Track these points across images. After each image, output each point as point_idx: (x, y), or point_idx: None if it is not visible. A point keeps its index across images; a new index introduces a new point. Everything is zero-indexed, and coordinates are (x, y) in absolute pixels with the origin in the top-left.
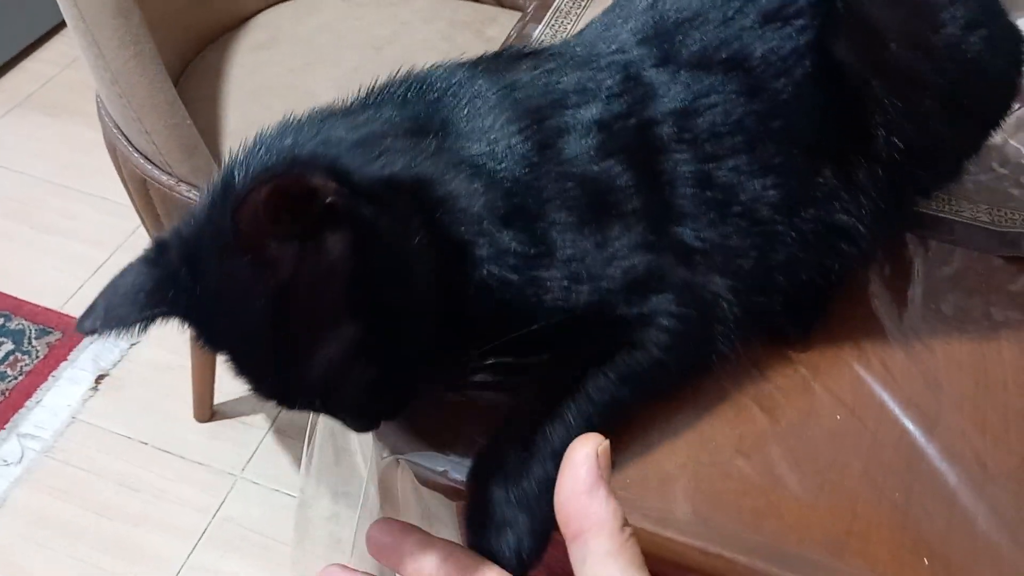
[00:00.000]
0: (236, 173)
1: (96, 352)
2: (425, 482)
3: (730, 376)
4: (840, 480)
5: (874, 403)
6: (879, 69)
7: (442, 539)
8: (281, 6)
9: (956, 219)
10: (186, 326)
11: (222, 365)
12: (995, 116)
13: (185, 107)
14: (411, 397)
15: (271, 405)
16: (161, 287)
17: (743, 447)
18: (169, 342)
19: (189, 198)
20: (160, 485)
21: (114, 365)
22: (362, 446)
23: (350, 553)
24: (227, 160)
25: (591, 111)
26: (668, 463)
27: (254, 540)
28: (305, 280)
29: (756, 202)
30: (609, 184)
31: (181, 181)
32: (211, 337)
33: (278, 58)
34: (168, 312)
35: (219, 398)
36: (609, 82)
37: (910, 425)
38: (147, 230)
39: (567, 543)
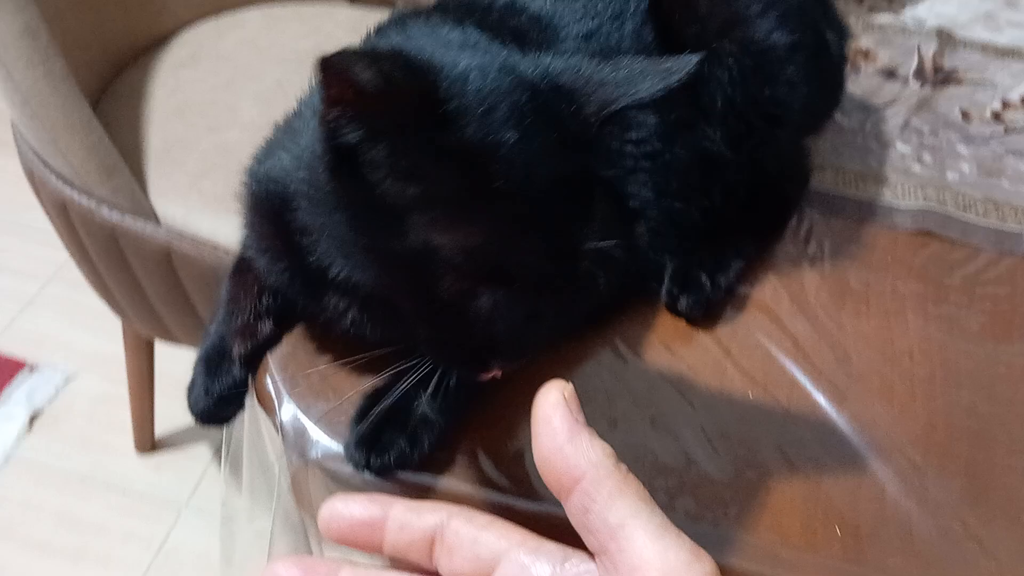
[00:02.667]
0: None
1: (30, 388)
2: (340, 482)
3: (642, 356)
4: (753, 456)
5: (785, 379)
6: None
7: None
8: (202, 24)
9: (861, 198)
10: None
11: (163, 389)
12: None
13: (106, 128)
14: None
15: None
16: (413, 100)
17: (657, 427)
18: (107, 371)
19: (111, 221)
20: (101, 520)
21: (49, 401)
22: (274, 449)
23: (267, 555)
24: None
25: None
26: None
27: (202, 570)
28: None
29: (649, 131)
30: None
31: (102, 203)
32: (447, 180)
33: (200, 75)
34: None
35: (161, 428)
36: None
37: (821, 399)
38: (74, 259)
39: (563, 500)
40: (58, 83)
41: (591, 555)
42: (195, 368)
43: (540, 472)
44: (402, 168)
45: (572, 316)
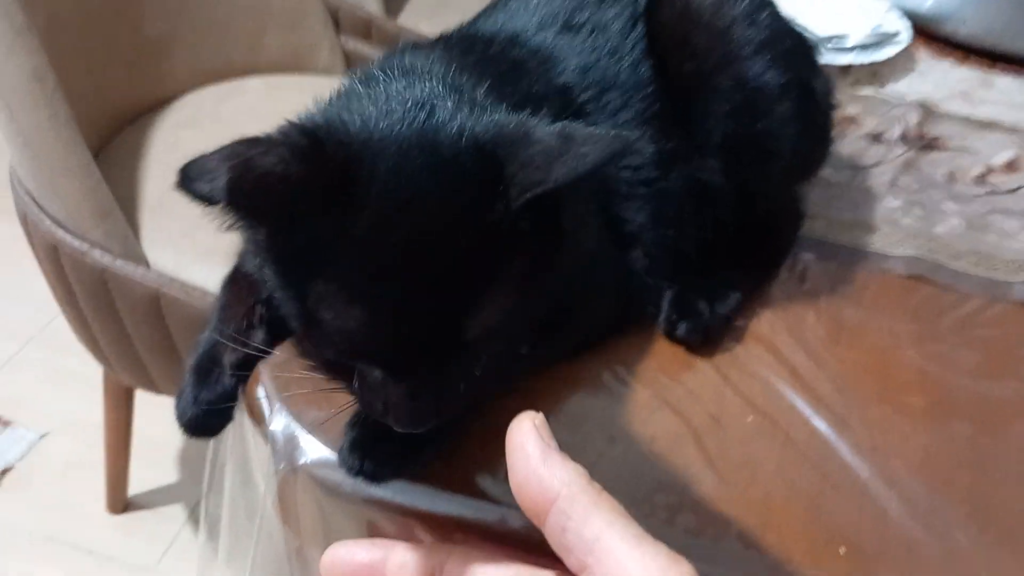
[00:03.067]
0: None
1: (2, 445)
2: (329, 491)
3: (640, 379)
4: (754, 477)
5: (784, 405)
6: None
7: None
8: (204, 90)
9: (853, 245)
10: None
11: (137, 451)
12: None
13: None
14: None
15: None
16: (309, 187)
17: (655, 448)
18: (80, 434)
19: (102, 264)
20: None
21: (20, 458)
22: (260, 466)
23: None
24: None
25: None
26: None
27: None
28: (515, 237)
29: (646, 158)
30: None
31: (94, 246)
32: (353, 250)
33: (199, 136)
34: (301, 216)
35: (134, 488)
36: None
37: (821, 425)
38: (59, 303)
39: (541, 525)
40: (61, 127)
41: None
42: (185, 377)
43: (517, 499)
44: (286, 251)
45: (489, 386)
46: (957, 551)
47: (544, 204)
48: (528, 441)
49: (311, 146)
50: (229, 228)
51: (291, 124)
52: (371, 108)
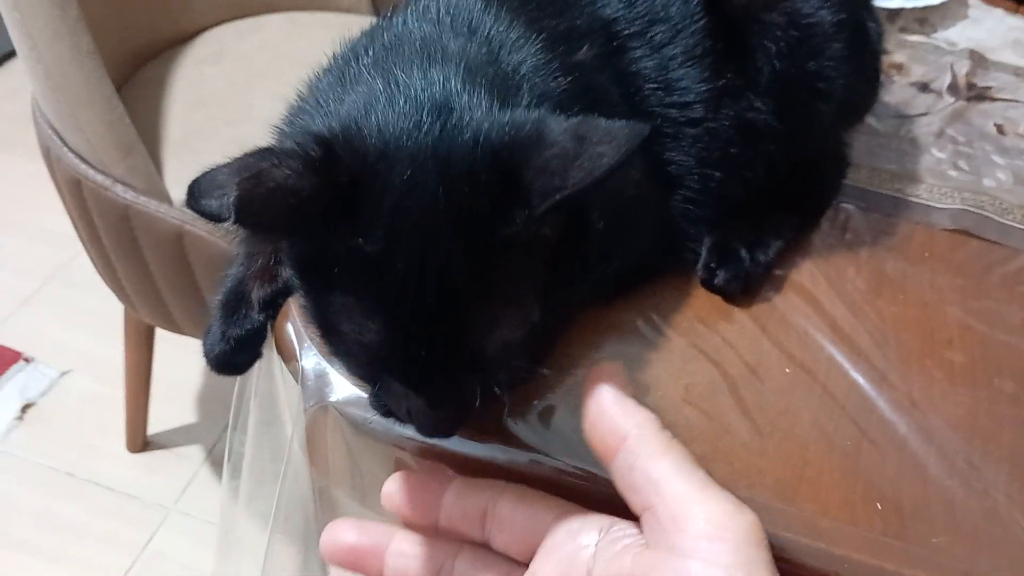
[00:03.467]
0: (472, 93)
1: (23, 382)
2: (359, 429)
3: (675, 327)
4: (790, 429)
5: (823, 357)
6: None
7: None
8: (225, 25)
9: (897, 195)
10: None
11: (157, 391)
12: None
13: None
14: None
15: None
16: (321, 201)
17: (690, 396)
18: (101, 372)
19: (125, 199)
20: (84, 520)
21: (42, 395)
22: (289, 405)
23: (271, 520)
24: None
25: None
26: None
27: None
28: (532, 248)
29: (694, 97)
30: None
31: (117, 181)
32: (365, 267)
33: (221, 72)
34: (313, 230)
35: (153, 428)
36: None
37: (859, 378)
38: (81, 239)
39: (607, 464)
40: (83, 58)
41: (635, 522)
42: (212, 313)
43: (587, 436)
44: (306, 261)
45: (516, 386)
46: (996, 510)
47: (570, 206)
48: (606, 384)
49: (325, 158)
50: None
51: (307, 133)
52: (388, 110)
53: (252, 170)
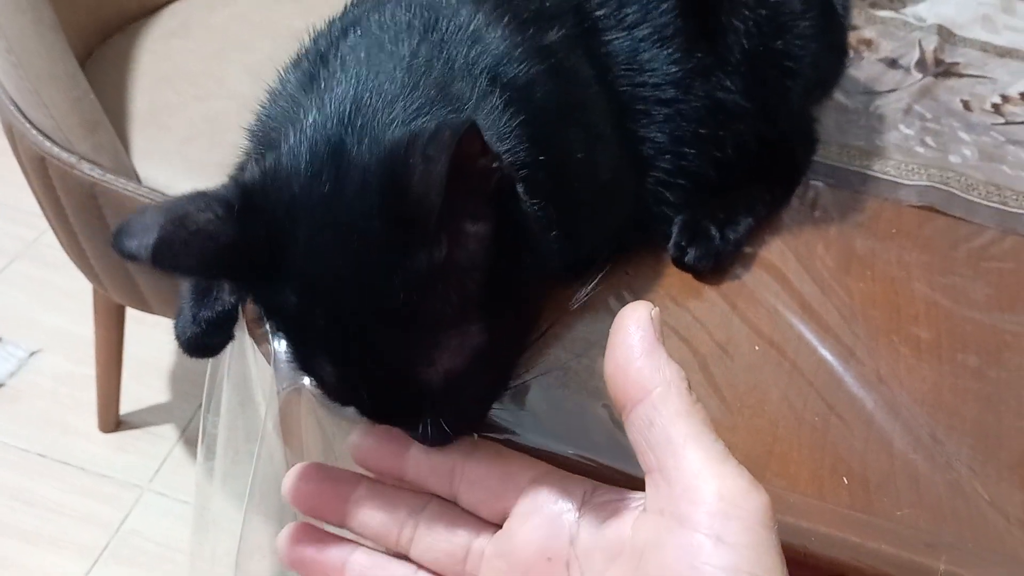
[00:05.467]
0: (359, 118)
1: None
2: (332, 411)
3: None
4: (760, 405)
5: (792, 334)
6: None
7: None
8: None
9: (866, 172)
10: (248, 300)
11: (129, 370)
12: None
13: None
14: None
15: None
16: (240, 249)
17: None
18: (71, 351)
19: (91, 177)
20: (58, 499)
21: (11, 375)
22: (262, 386)
23: (246, 499)
24: (330, 100)
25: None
26: (583, 391)
27: (161, 555)
28: (451, 269)
29: (664, 77)
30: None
31: (83, 159)
32: (291, 321)
33: (190, 45)
34: (238, 280)
35: (125, 408)
36: None
37: (828, 355)
38: (48, 218)
39: (624, 413)
40: (45, 32)
41: (618, 488)
42: (183, 295)
43: (609, 380)
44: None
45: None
46: (960, 483)
47: (480, 214)
48: (640, 328)
49: (244, 208)
50: None
51: (234, 180)
52: (300, 158)
53: (178, 212)
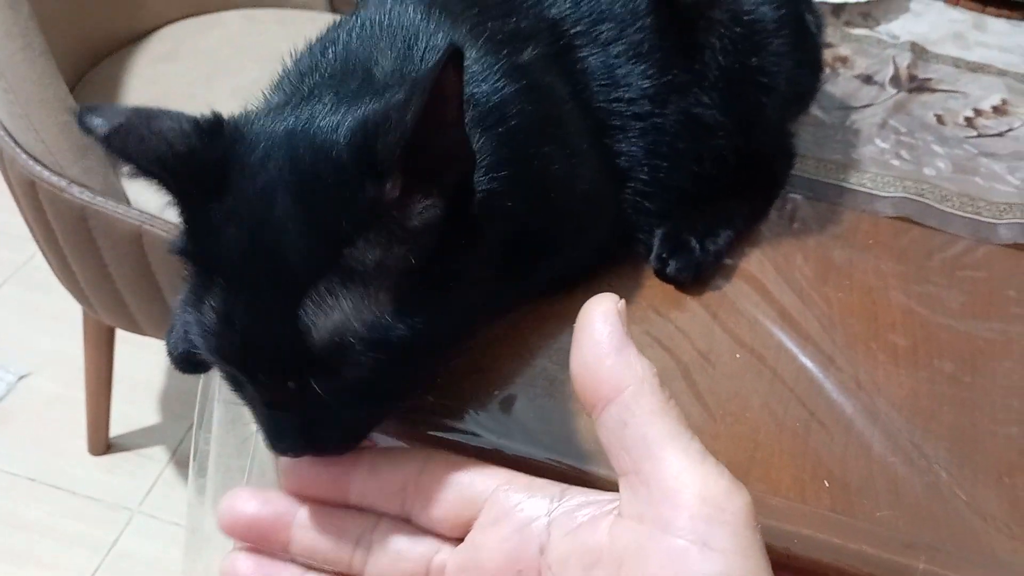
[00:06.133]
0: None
1: None
2: None
3: (630, 316)
4: (741, 412)
5: (772, 343)
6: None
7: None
8: (183, 21)
9: (843, 185)
10: (183, 218)
11: (119, 392)
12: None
13: None
14: (368, 431)
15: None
16: (191, 162)
17: None
18: (61, 374)
19: (81, 200)
20: (48, 522)
21: (0, 398)
22: None
23: None
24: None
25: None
26: (571, 400)
27: None
28: (389, 222)
29: (639, 92)
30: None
31: (73, 182)
32: (206, 250)
33: (179, 69)
34: (181, 187)
35: (116, 430)
36: None
37: (808, 362)
38: (38, 242)
39: (594, 413)
40: (35, 57)
41: (588, 489)
42: (174, 312)
43: (575, 380)
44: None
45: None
46: (938, 486)
47: (432, 191)
48: (607, 323)
49: (209, 130)
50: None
51: (214, 113)
52: (281, 98)
53: (149, 113)
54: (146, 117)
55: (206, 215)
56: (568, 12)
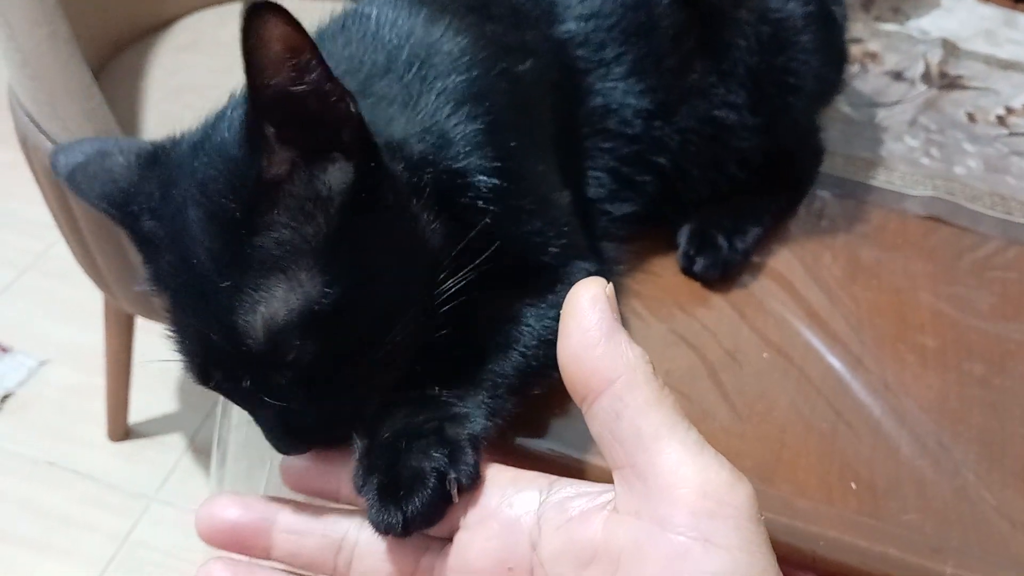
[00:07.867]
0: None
1: (1, 372)
2: None
3: (656, 314)
4: (768, 412)
5: (800, 342)
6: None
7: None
8: (204, 12)
9: (871, 183)
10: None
11: (137, 380)
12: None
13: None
14: (354, 420)
15: (193, 382)
16: (131, 196)
17: (671, 381)
18: (80, 361)
19: None
20: (66, 509)
21: (20, 384)
22: None
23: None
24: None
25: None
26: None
27: (168, 565)
28: (288, 198)
29: (630, 111)
30: None
31: None
32: (158, 273)
33: (200, 59)
34: (124, 220)
35: (135, 416)
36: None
37: (835, 362)
38: (60, 228)
39: (587, 404)
40: (61, 45)
41: (577, 480)
42: None
43: (564, 370)
44: None
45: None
46: (966, 489)
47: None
48: (594, 310)
49: (147, 161)
50: None
51: (152, 143)
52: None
53: (105, 149)
54: (100, 155)
55: (150, 242)
56: (576, 29)
